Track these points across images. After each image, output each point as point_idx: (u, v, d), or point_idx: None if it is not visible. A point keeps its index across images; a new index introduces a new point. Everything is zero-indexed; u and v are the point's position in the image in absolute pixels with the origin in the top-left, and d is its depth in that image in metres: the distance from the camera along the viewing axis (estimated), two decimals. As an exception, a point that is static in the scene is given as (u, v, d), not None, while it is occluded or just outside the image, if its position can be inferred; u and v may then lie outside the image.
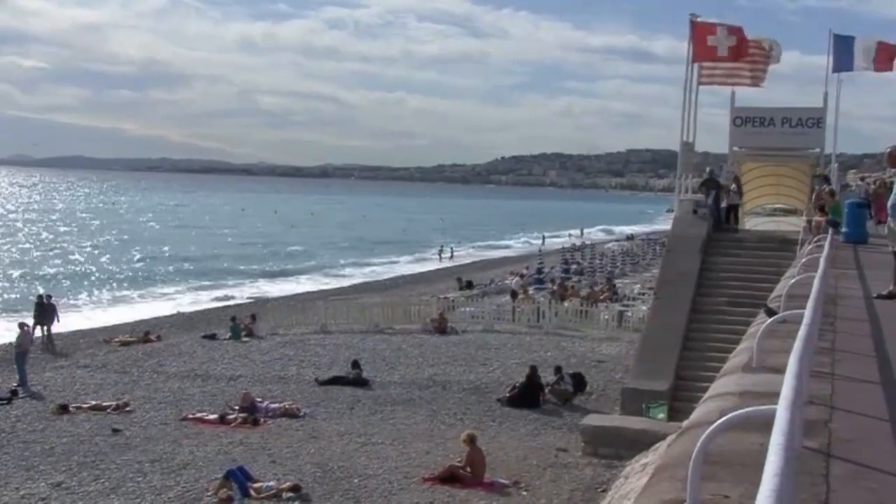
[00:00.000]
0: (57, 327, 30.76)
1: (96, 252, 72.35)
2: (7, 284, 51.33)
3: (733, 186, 25.85)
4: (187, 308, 43.41)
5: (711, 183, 25.20)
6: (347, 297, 40.75)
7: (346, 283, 56.73)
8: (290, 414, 20.29)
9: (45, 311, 30.00)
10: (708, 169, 27.42)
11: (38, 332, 28.95)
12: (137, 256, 69.60)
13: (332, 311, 33.64)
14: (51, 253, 70.86)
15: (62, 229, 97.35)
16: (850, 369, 6.56)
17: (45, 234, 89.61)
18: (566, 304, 34.10)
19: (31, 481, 15.34)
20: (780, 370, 4.20)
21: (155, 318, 38.34)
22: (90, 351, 28.74)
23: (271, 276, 60.10)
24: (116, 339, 30.63)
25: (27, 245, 76.77)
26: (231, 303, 44.86)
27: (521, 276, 46.17)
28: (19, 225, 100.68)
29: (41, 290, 35.86)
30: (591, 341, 28.86)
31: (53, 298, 32.06)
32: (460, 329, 31.01)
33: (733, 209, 25.99)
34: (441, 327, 30.75)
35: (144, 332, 31.69)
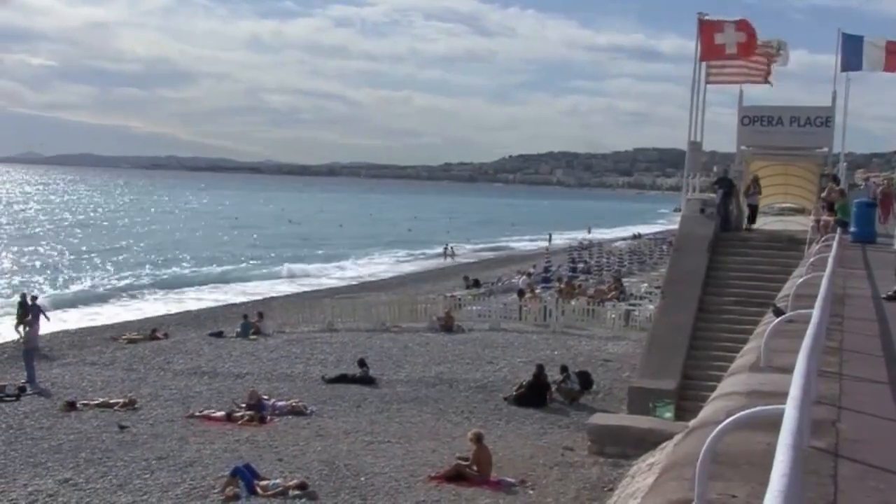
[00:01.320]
0: (64, 325, 30.75)
1: (107, 249, 72.50)
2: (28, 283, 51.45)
3: (741, 186, 25.72)
4: (194, 305, 43.50)
5: (725, 182, 25.09)
6: (354, 296, 40.76)
7: (352, 281, 56.78)
8: (297, 412, 20.32)
9: (28, 312, 29.67)
10: (715, 168, 27.33)
11: (21, 331, 28.76)
12: (146, 255, 69.75)
13: (338, 309, 33.66)
14: (71, 252, 71.01)
15: (86, 230, 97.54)
16: (857, 369, 6.54)
17: (72, 234, 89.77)
18: (573, 302, 34.06)
19: (39, 478, 15.38)
20: (788, 370, 4.19)
21: (162, 316, 38.43)
22: (97, 348, 28.80)
23: (278, 275, 60.07)
24: (124, 337, 30.69)
25: (49, 245, 76.90)
26: (238, 300, 44.93)
27: (528, 274, 46.11)
28: (43, 225, 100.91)
29: (28, 291, 35.37)
30: (598, 340, 28.83)
31: (39, 300, 31.35)
32: (467, 327, 31.00)
33: (754, 209, 25.79)
34: (448, 326, 30.75)
35: (151, 330, 31.75)
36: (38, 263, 61.61)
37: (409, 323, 31.92)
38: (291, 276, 59.70)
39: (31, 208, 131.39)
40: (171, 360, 26.28)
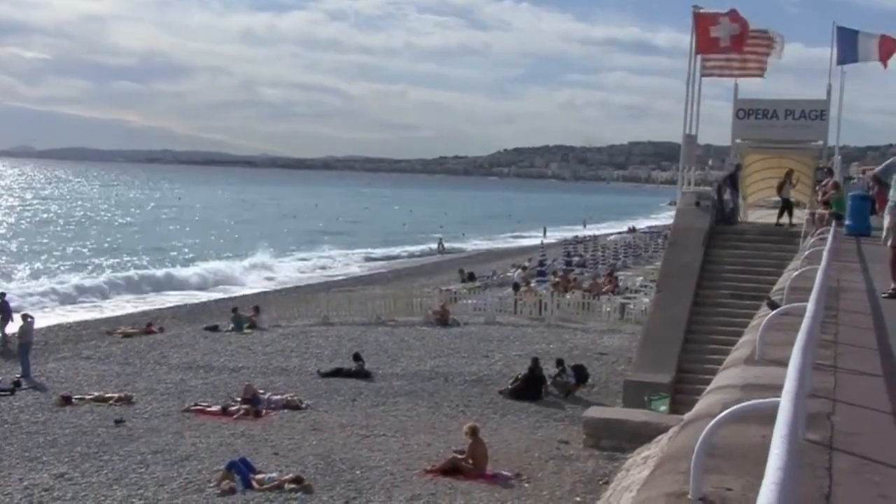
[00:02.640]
0: (59, 319, 30.57)
1: (102, 243, 72.36)
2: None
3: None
4: (189, 299, 43.44)
5: (732, 176, 25.08)
6: (349, 289, 40.76)
7: (348, 274, 56.76)
8: (292, 406, 20.32)
9: None
10: (710, 161, 27.33)
11: None
12: (143, 249, 69.58)
13: (334, 303, 33.66)
14: (65, 247, 70.80)
15: (81, 225, 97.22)
16: (852, 362, 6.55)
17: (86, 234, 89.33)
18: (568, 296, 34.09)
19: (35, 472, 15.37)
20: (783, 363, 4.19)
21: (157, 310, 38.40)
22: (93, 342, 28.77)
23: (270, 267, 59.92)
24: (119, 331, 30.65)
25: (42, 239, 76.64)
26: (234, 294, 44.87)
27: (524, 268, 46.14)
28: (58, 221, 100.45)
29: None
30: (593, 333, 28.87)
31: (7, 296, 29.90)
32: (462, 321, 31.03)
33: (788, 203, 25.58)
34: (443, 319, 30.77)
35: (146, 324, 31.72)
36: (30, 258, 61.41)
37: (404, 317, 31.92)
38: (285, 271, 59.59)
39: (23, 203, 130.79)
40: (167, 355, 26.25)
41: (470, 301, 34.71)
